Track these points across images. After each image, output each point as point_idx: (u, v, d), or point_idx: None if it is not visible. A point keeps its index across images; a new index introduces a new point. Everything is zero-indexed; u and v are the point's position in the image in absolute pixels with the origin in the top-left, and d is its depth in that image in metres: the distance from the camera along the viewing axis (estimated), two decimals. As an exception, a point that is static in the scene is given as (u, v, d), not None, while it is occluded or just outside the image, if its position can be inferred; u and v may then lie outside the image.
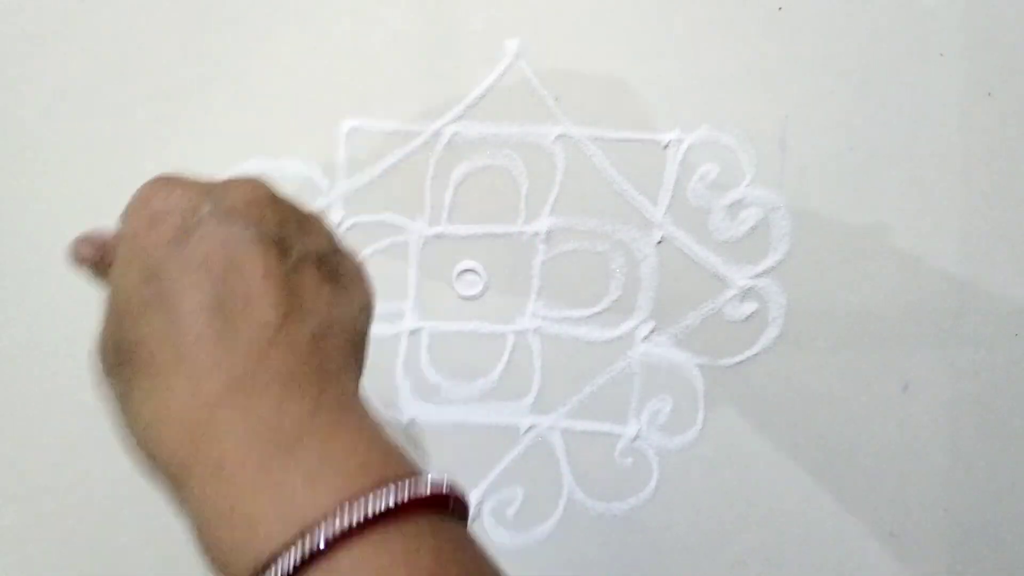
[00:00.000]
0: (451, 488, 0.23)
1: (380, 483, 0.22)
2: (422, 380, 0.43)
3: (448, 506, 0.23)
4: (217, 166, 0.42)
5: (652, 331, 0.44)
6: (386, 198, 0.43)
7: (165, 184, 0.26)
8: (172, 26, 0.43)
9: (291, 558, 0.21)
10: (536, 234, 0.43)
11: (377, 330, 0.42)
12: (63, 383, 0.41)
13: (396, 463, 0.23)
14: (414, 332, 0.43)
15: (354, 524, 0.21)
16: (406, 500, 0.22)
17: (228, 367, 0.23)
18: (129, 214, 0.27)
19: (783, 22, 0.44)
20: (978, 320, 0.44)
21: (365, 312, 0.28)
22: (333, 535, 0.21)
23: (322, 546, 0.21)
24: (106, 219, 0.42)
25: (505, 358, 0.43)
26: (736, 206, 0.44)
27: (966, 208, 0.44)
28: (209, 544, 0.23)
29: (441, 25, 0.44)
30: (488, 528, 0.42)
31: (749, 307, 0.44)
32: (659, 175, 0.44)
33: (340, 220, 0.42)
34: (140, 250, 0.25)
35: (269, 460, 0.22)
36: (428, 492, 0.22)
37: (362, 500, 0.21)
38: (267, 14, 0.43)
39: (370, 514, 0.21)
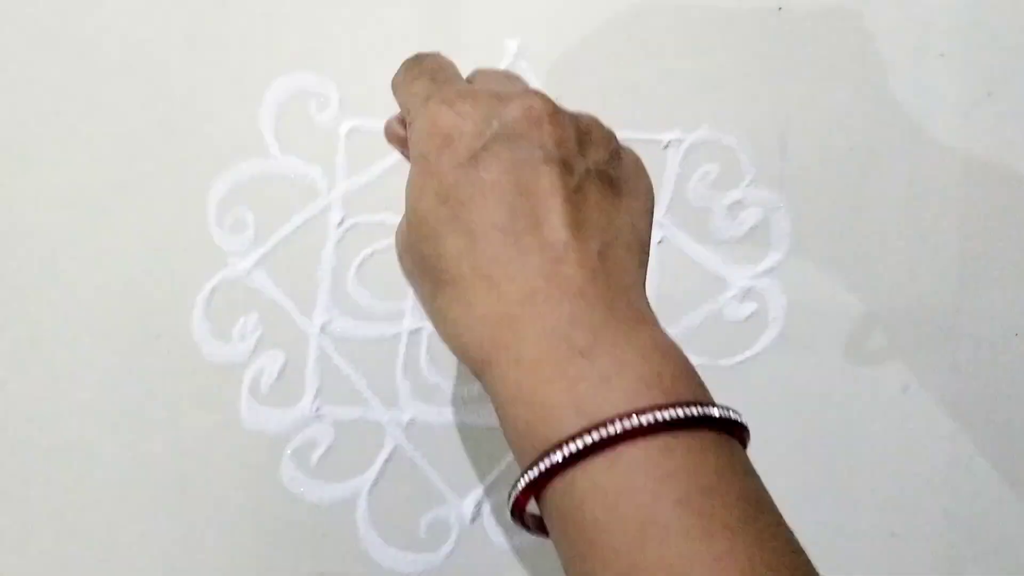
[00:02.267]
0: (738, 417, 0.24)
1: (670, 394, 0.24)
2: (422, 380, 0.43)
3: (733, 435, 0.25)
4: (218, 165, 0.42)
5: (652, 331, 0.44)
6: (386, 198, 0.43)
7: (451, 105, 0.27)
8: (172, 26, 0.43)
9: (579, 443, 0.23)
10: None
11: (377, 330, 0.42)
12: (63, 383, 0.41)
13: (686, 380, 0.25)
14: (414, 332, 0.43)
15: (642, 425, 0.23)
16: (695, 415, 0.23)
17: (522, 281, 0.26)
18: (420, 135, 0.28)
19: (783, 22, 0.44)
20: (978, 320, 0.44)
21: (646, 215, 0.29)
22: (621, 431, 0.23)
23: (608, 435, 0.23)
24: (105, 219, 0.42)
25: (505, 358, 0.43)
26: (736, 206, 0.44)
27: (966, 208, 0.44)
28: (507, 422, 0.25)
29: (441, 25, 0.44)
30: (488, 528, 0.42)
31: (749, 307, 0.44)
32: (659, 175, 0.44)
33: (340, 220, 0.42)
34: (434, 172, 0.27)
35: (565, 361, 0.24)
36: (717, 414, 0.24)
37: (651, 407, 0.23)
38: (266, 14, 0.43)
39: (658, 420, 0.23)
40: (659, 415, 0.23)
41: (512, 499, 0.25)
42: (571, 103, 0.44)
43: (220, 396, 0.42)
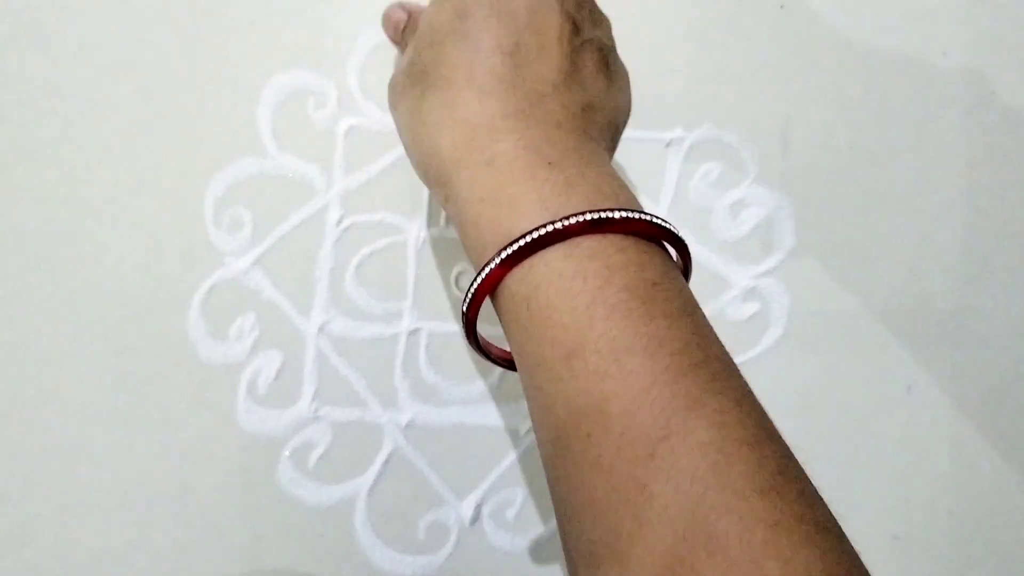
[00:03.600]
0: (682, 237, 0.27)
1: (624, 205, 0.26)
2: (421, 381, 0.42)
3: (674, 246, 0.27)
4: (215, 164, 0.42)
5: (653, 331, 0.43)
6: (384, 198, 0.42)
7: None
8: (169, 25, 0.42)
9: (542, 231, 0.25)
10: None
11: (375, 330, 0.42)
12: (59, 383, 0.41)
13: (637, 203, 0.27)
14: (413, 333, 0.42)
15: (600, 219, 0.25)
16: (647, 221, 0.26)
17: (509, 99, 0.28)
18: None
19: (785, 20, 0.44)
20: (982, 321, 0.44)
21: (625, 111, 0.32)
22: (580, 222, 0.25)
23: (568, 226, 0.25)
24: (101, 218, 0.41)
25: (505, 359, 0.43)
26: (738, 205, 0.44)
27: (969, 207, 0.44)
28: (471, 219, 0.27)
29: (440, 23, 0.43)
30: (488, 530, 0.42)
31: (751, 307, 0.43)
32: (660, 174, 0.43)
33: (338, 220, 0.42)
34: None
35: (535, 166, 0.27)
36: (665, 225, 0.26)
37: (610, 208, 0.25)
38: (264, 12, 0.43)
39: (614, 219, 0.25)
40: (616, 214, 0.25)
41: (473, 289, 0.27)
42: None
43: (217, 397, 0.41)
